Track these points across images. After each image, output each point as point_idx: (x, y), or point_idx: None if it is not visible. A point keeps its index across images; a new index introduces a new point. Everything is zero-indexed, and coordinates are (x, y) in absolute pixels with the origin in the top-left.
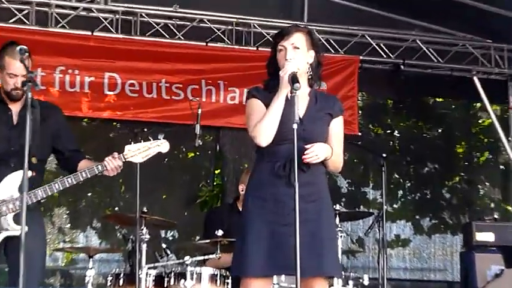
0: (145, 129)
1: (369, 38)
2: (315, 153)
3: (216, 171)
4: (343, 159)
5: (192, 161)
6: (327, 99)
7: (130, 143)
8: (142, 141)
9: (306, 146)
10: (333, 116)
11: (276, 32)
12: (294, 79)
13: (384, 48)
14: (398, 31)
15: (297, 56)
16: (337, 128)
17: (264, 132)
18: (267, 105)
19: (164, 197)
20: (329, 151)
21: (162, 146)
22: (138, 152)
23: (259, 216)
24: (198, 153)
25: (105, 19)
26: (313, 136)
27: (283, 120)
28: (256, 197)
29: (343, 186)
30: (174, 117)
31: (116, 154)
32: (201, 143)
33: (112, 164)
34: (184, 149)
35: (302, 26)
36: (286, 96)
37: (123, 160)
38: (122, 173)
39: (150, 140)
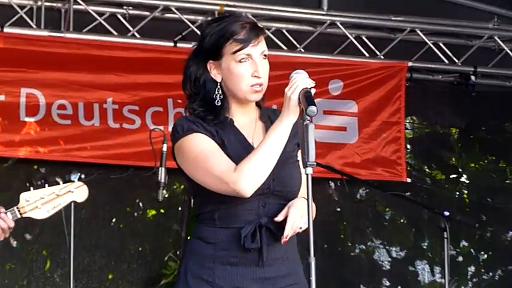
0: (82, 175)
1: (421, 34)
2: (296, 223)
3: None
4: None
5: (154, 222)
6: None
7: (29, 189)
8: (46, 185)
9: (278, 218)
10: (299, 145)
11: (281, 28)
12: (309, 99)
13: (445, 49)
14: (467, 23)
15: (267, 70)
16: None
17: (256, 176)
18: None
19: (110, 277)
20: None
21: (77, 192)
22: (41, 202)
23: None
24: (162, 210)
25: (21, 8)
26: (287, 187)
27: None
28: (202, 281)
29: (384, 261)
30: (126, 156)
31: (1, 209)
32: (166, 196)
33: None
34: (141, 205)
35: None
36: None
37: (18, 217)
38: (47, 241)
39: (58, 184)
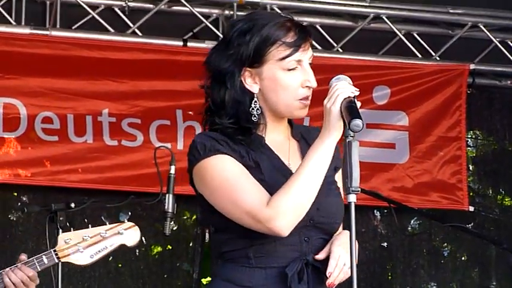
0: (72, 204)
1: (485, 31)
2: (342, 261)
3: (204, 280)
4: None
5: (160, 261)
6: (315, 136)
7: (69, 229)
8: (90, 225)
9: (319, 256)
10: (336, 169)
11: (315, 22)
12: (352, 110)
13: None
14: None
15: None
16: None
17: (295, 212)
18: (247, 167)
19: None
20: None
21: (126, 234)
22: (84, 245)
23: None
24: (170, 246)
25: None
26: (331, 218)
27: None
28: None
29: None
30: (126, 180)
31: (23, 256)
32: (175, 229)
33: (15, 276)
34: (144, 240)
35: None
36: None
37: (55, 262)
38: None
39: (105, 224)
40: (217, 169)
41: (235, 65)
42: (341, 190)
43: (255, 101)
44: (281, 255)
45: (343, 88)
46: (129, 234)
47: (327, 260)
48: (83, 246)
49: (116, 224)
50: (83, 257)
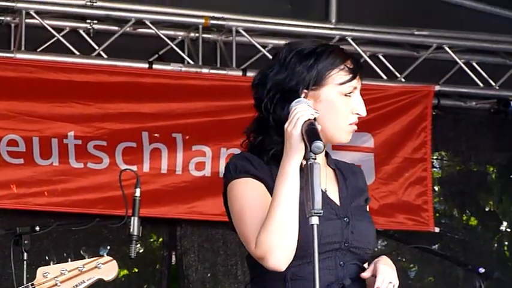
0: (37, 227)
1: (450, 52)
2: (388, 278)
3: None
4: None
5: (126, 284)
6: (351, 169)
7: (49, 263)
8: (69, 259)
9: (365, 274)
10: (367, 201)
11: (280, 45)
12: (313, 133)
13: (479, 69)
14: (505, 38)
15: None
16: None
17: (282, 246)
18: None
19: None
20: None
21: (104, 268)
22: (61, 279)
23: None
24: (135, 269)
25: None
26: (365, 243)
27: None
28: None
29: None
30: (92, 202)
31: None
32: (141, 251)
33: None
34: None
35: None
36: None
37: None
38: None
39: (84, 258)
40: (239, 194)
41: (299, 85)
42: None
43: None
44: (321, 277)
45: (303, 111)
46: (106, 269)
47: (362, 284)
48: (60, 280)
49: (95, 258)
50: None
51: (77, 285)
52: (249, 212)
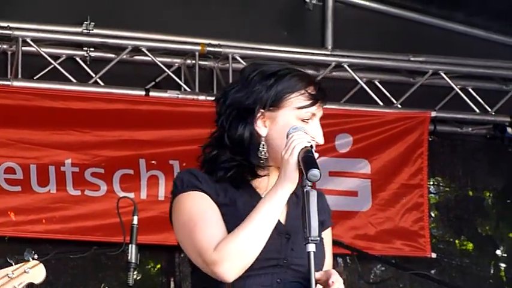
0: (36, 255)
1: (446, 78)
2: (337, 287)
3: None
4: None
5: None
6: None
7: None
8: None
9: (316, 275)
10: (324, 224)
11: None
12: (309, 160)
13: (476, 95)
14: (501, 63)
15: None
16: (329, 245)
17: (240, 258)
18: (222, 205)
19: None
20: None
21: (32, 272)
22: None
23: None
24: None
25: None
26: (305, 262)
27: None
28: None
29: None
30: (89, 230)
31: None
32: (138, 278)
33: None
34: None
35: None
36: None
37: None
38: None
39: (11, 265)
40: (187, 206)
41: (255, 104)
42: (325, 242)
43: (263, 144)
44: None
45: (299, 138)
46: (35, 272)
47: None
48: None
49: (21, 264)
50: None
51: None
52: (202, 219)
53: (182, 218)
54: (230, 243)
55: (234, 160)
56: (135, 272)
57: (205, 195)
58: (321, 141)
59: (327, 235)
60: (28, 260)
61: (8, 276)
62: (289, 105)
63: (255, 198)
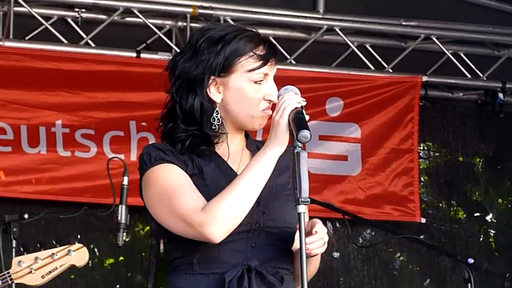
0: (26, 215)
1: (438, 43)
2: (320, 236)
3: None
4: None
5: (113, 272)
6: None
7: (22, 252)
8: (42, 248)
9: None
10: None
11: (268, 34)
12: (300, 121)
13: (467, 61)
14: (493, 29)
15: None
16: None
17: (229, 218)
18: (191, 176)
19: None
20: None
21: (75, 255)
22: (36, 266)
23: None
24: (122, 257)
25: None
26: (281, 222)
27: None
28: None
29: None
30: (79, 191)
31: None
32: (127, 240)
33: None
34: (97, 251)
35: (311, 28)
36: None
37: (9, 283)
38: None
39: (56, 247)
40: (159, 178)
41: (205, 73)
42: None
43: (217, 111)
44: (226, 262)
45: (290, 99)
46: (78, 255)
47: (272, 266)
48: (34, 267)
49: (66, 246)
50: (35, 278)
51: (50, 272)
52: (180, 186)
53: (157, 190)
54: (219, 203)
55: (187, 131)
56: (124, 233)
57: (175, 166)
58: (276, 99)
59: None
60: (73, 243)
61: (51, 257)
62: (239, 69)
63: (221, 165)
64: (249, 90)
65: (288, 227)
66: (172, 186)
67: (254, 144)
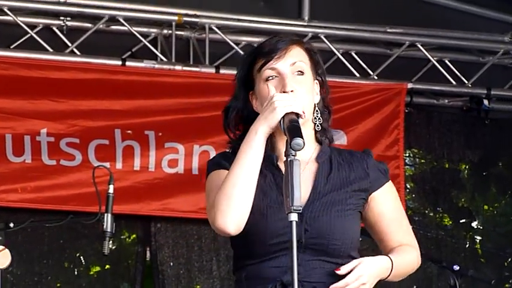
0: (12, 223)
1: (423, 50)
2: (359, 281)
3: None
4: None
5: (99, 280)
6: (351, 159)
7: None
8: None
9: (341, 271)
10: (370, 189)
11: (253, 42)
12: (295, 130)
13: (452, 67)
14: (478, 36)
15: (302, 89)
16: (388, 203)
17: (232, 206)
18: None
19: None
20: (386, 268)
21: None
22: None
23: None
24: (108, 266)
25: None
26: (326, 239)
27: (274, 211)
28: None
29: None
30: (65, 199)
31: None
32: (113, 248)
33: None
34: (83, 259)
35: (296, 36)
36: (272, 164)
37: None
38: None
39: None
40: (212, 184)
41: (242, 90)
42: (377, 202)
43: None
44: (269, 278)
45: (289, 101)
46: (0, 257)
47: (313, 281)
48: None
49: None
50: None
51: None
52: (214, 190)
53: (209, 193)
54: (218, 197)
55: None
56: (110, 242)
57: (226, 171)
58: (289, 88)
59: (385, 199)
60: None
61: None
62: (255, 74)
63: (277, 176)
64: (262, 90)
65: (334, 244)
66: (210, 191)
67: (327, 155)
